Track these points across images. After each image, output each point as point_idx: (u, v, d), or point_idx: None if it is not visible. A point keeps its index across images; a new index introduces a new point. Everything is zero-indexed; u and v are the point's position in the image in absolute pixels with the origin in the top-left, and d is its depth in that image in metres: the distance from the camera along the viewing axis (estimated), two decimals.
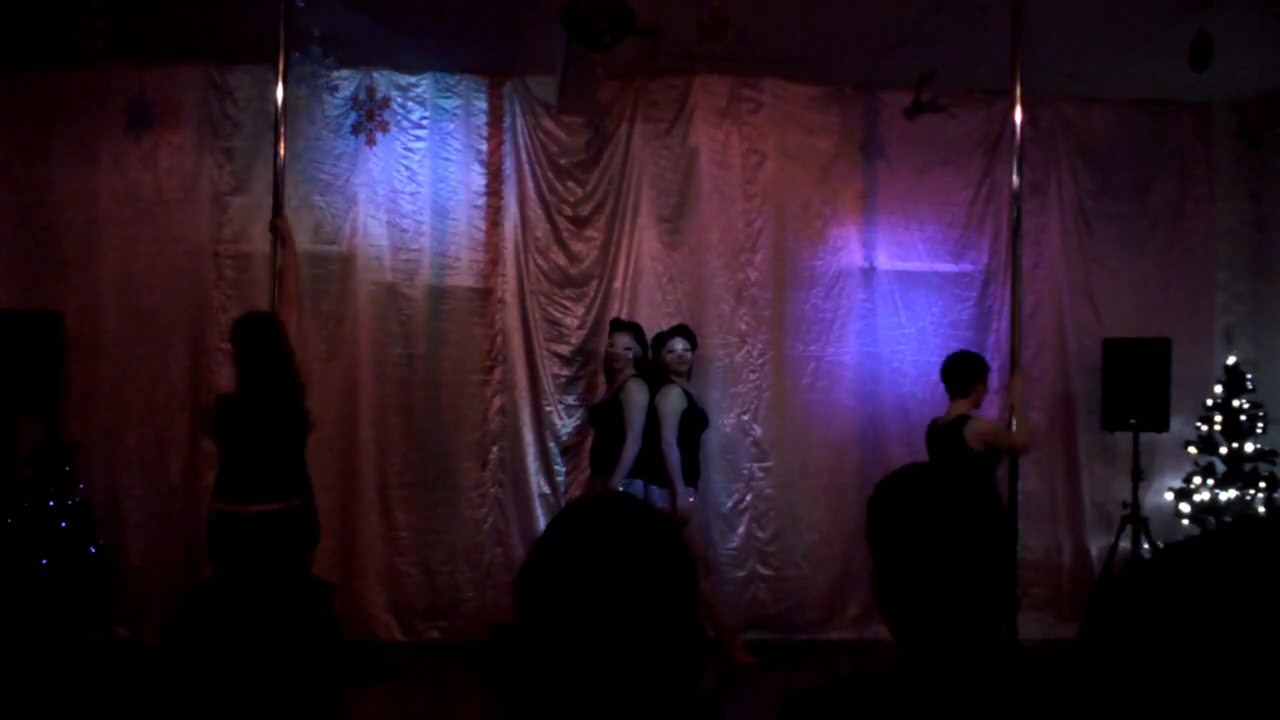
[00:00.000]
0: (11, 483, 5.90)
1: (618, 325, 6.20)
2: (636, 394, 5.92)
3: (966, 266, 6.95)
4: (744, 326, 6.72)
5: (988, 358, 6.87)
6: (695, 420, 6.00)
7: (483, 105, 6.68)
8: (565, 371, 6.68)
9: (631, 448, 5.84)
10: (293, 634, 1.37)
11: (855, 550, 6.73)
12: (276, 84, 4.96)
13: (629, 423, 5.87)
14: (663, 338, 6.14)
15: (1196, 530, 6.59)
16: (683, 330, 6.17)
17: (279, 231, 5.03)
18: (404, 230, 6.59)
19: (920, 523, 1.53)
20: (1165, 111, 7.07)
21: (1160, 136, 7.09)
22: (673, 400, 5.92)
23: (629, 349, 6.03)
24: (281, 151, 4.99)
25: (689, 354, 6.08)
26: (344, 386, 6.51)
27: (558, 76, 6.18)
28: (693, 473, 5.98)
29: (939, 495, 1.55)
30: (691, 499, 5.90)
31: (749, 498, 6.67)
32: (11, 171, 6.36)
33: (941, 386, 6.85)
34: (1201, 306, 7.13)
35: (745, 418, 6.70)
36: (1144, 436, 6.56)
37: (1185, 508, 6.60)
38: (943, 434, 5.54)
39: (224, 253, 6.47)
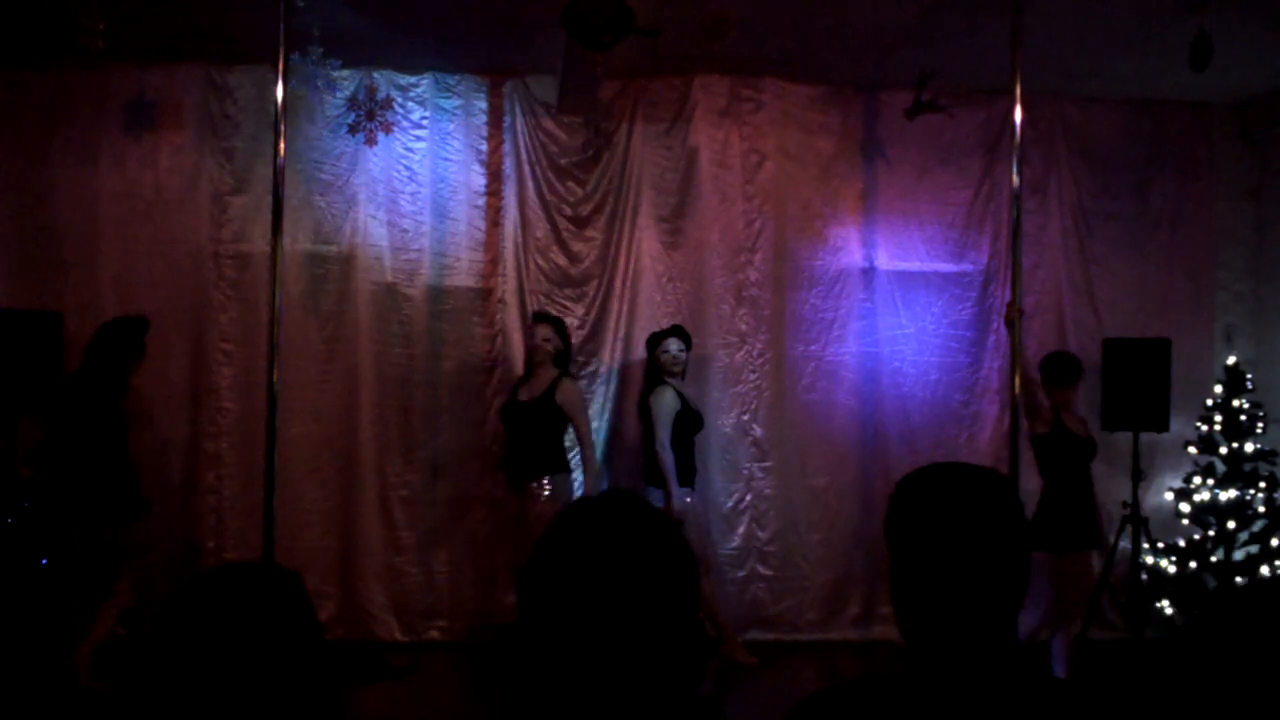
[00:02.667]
0: (11, 483, 5.89)
1: (539, 317, 6.08)
2: (665, 401, 5.93)
3: (966, 266, 6.95)
4: (744, 326, 6.72)
5: (987, 358, 6.90)
6: (689, 421, 6.00)
7: (483, 105, 6.68)
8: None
9: (666, 455, 5.84)
10: (270, 627, 1.37)
11: (855, 550, 6.73)
12: (276, 84, 4.96)
13: (658, 428, 5.88)
14: (657, 338, 6.14)
15: (1197, 530, 6.59)
16: (677, 331, 6.16)
17: None
18: (404, 230, 6.59)
19: (939, 521, 1.53)
20: (1165, 111, 7.06)
21: (1160, 136, 7.09)
22: (667, 401, 5.93)
23: (549, 340, 5.86)
24: (281, 151, 4.99)
25: (683, 355, 6.07)
26: (344, 386, 6.51)
27: (558, 76, 6.18)
28: (688, 473, 5.98)
29: (959, 495, 1.55)
30: (689, 499, 5.91)
31: (749, 498, 6.67)
32: (11, 171, 6.36)
33: (940, 386, 6.88)
34: (1201, 306, 7.13)
35: (745, 418, 6.70)
36: (1144, 436, 6.55)
37: (1185, 508, 6.60)
38: None
39: (224, 253, 6.47)
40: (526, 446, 5.78)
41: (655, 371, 6.08)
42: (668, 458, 5.85)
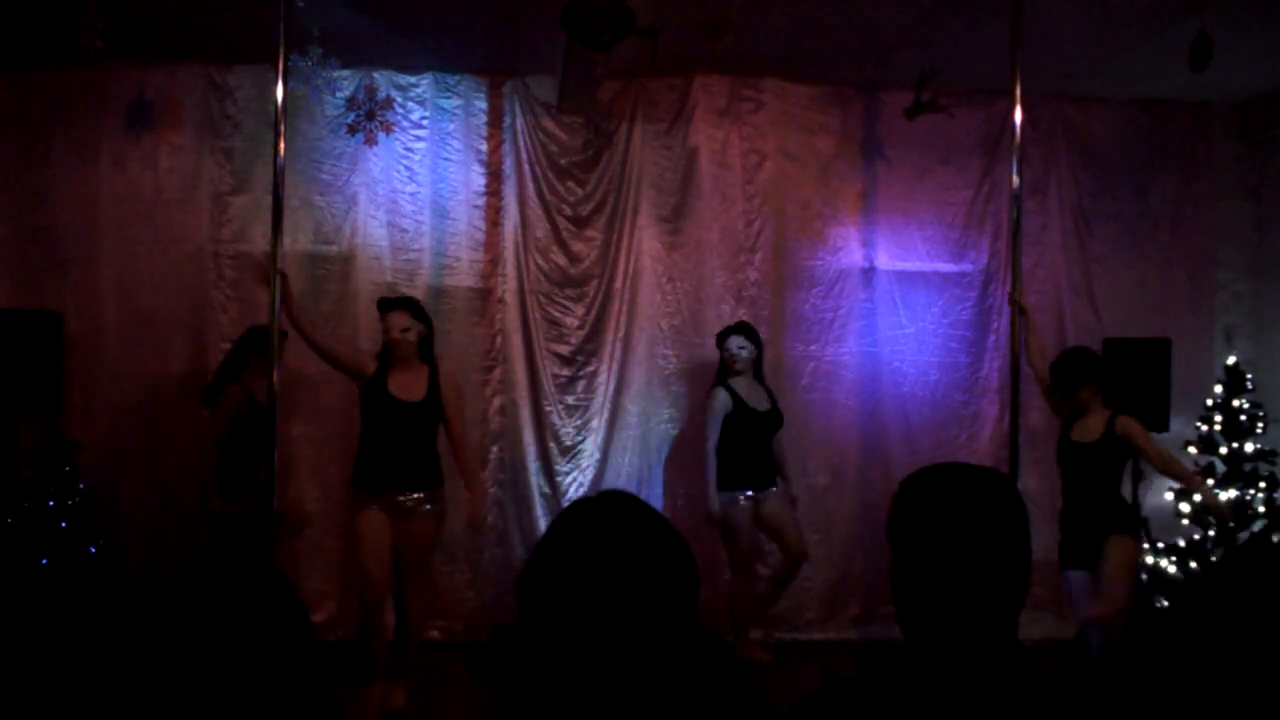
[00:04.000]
0: (11, 483, 5.89)
1: (387, 305, 5.24)
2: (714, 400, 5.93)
3: (966, 266, 6.95)
4: None
5: (987, 358, 6.89)
6: (746, 419, 5.91)
7: (483, 105, 6.69)
8: (565, 371, 6.68)
9: (708, 458, 5.84)
10: (259, 624, 1.38)
11: (855, 550, 6.73)
12: (276, 84, 4.95)
13: (706, 429, 5.87)
14: (721, 336, 6.10)
15: (1197, 530, 6.59)
16: (740, 327, 6.09)
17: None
18: (404, 230, 6.59)
19: (941, 521, 1.53)
20: (1165, 111, 7.07)
21: (1160, 136, 7.09)
22: (715, 402, 5.94)
23: (407, 330, 5.11)
24: (281, 151, 4.98)
25: (744, 352, 5.97)
26: (344, 386, 6.49)
27: (558, 76, 6.18)
28: (737, 475, 5.86)
29: (962, 495, 1.55)
30: (741, 501, 5.87)
31: None
32: (11, 171, 6.36)
33: (941, 386, 6.88)
34: (1201, 306, 7.13)
35: None
36: None
37: (1185, 508, 6.60)
38: None
39: (224, 253, 6.47)
40: (410, 453, 5.11)
41: (724, 370, 6.05)
42: (709, 460, 5.82)
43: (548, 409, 6.63)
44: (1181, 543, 6.56)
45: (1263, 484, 6.49)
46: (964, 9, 5.44)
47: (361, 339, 6.51)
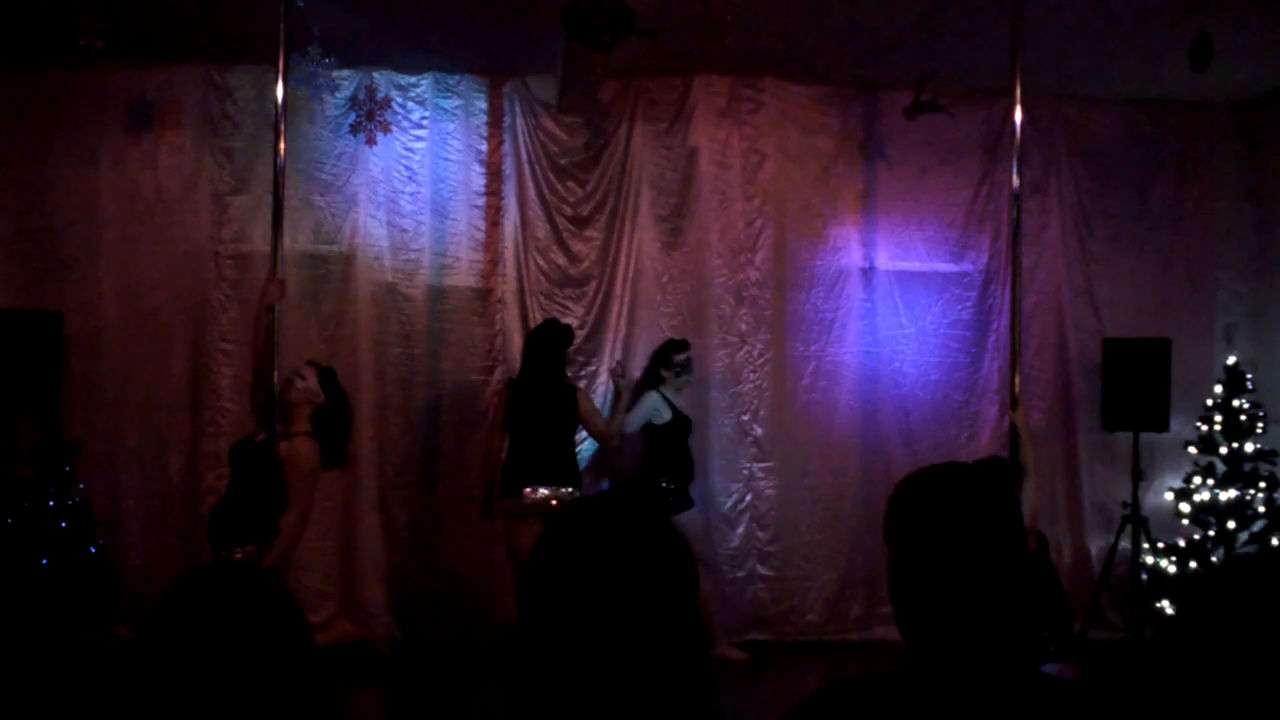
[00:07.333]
0: (11, 483, 5.90)
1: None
2: None
3: (966, 266, 6.95)
4: (744, 326, 6.72)
5: (987, 358, 6.90)
6: None
7: (483, 105, 6.69)
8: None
9: None
10: (255, 625, 1.39)
11: (856, 551, 6.73)
12: (276, 84, 4.95)
13: None
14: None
15: (1197, 530, 6.59)
16: None
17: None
18: (404, 230, 6.59)
19: (938, 522, 1.53)
20: (1165, 111, 7.07)
21: (1160, 136, 7.09)
22: None
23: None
24: (281, 151, 4.98)
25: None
26: (344, 386, 6.50)
27: (558, 76, 6.18)
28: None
29: (958, 497, 1.55)
30: None
31: (749, 498, 6.67)
32: (11, 171, 6.36)
33: (940, 386, 6.87)
34: (1201, 306, 7.13)
35: (745, 418, 6.70)
36: (1144, 436, 6.56)
37: (1185, 508, 6.60)
38: None
39: (224, 253, 6.47)
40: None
41: None
42: None
43: None
44: (1181, 543, 6.56)
45: (1263, 484, 6.49)
46: (964, 9, 5.44)
47: (361, 339, 6.52)
